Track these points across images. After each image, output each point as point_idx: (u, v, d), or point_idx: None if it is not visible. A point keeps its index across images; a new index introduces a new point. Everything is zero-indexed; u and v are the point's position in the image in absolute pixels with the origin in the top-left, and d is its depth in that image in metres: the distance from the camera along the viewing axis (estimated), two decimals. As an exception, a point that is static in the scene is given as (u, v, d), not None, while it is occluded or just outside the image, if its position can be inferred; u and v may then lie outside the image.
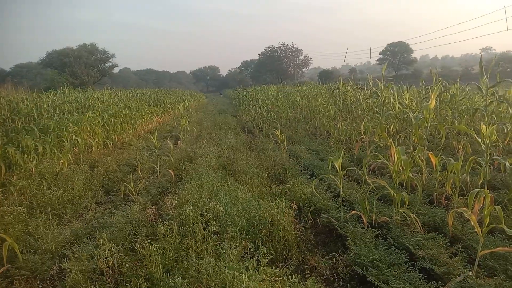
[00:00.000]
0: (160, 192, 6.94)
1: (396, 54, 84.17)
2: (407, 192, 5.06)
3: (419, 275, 3.59)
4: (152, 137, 8.70)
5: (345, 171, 5.57)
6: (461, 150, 8.29)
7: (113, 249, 3.99)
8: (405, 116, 8.99)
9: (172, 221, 4.38)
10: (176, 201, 5.40)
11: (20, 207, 5.42)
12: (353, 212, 5.10)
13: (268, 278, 3.09)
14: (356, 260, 3.97)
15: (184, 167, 8.18)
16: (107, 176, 8.16)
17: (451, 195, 5.65)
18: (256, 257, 3.20)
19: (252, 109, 17.48)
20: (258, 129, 14.41)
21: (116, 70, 69.29)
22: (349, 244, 4.33)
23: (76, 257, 4.10)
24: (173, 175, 7.68)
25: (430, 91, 9.36)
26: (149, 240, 3.96)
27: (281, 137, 9.45)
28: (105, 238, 4.08)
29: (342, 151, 5.84)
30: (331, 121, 12.21)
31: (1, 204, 5.62)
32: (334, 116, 12.50)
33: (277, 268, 3.32)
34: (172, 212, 5.04)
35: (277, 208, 4.70)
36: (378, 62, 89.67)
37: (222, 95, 57.12)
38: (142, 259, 3.84)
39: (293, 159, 8.77)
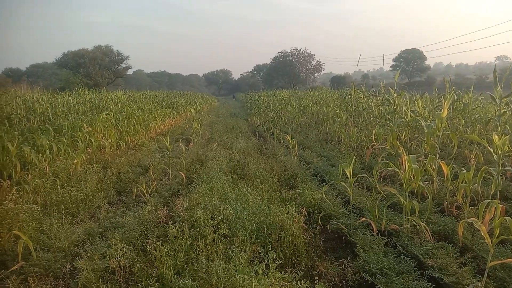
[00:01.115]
0: (172, 194, 7.02)
1: (410, 61, 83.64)
2: (417, 201, 5.06)
3: (427, 284, 3.59)
4: (164, 139, 8.81)
5: (356, 178, 5.58)
6: (473, 159, 8.23)
7: (124, 249, 4.07)
8: (417, 124, 8.97)
9: (183, 223, 4.44)
10: (187, 204, 5.46)
11: (34, 206, 5.53)
12: (363, 219, 5.11)
13: (277, 283, 3.13)
14: (365, 267, 3.98)
15: (195, 170, 8.26)
16: (120, 176, 8.28)
17: (462, 204, 5.63)
18: (266, 262, 3.24)
19: (264, 113, 17.54)
20: (269, 134, 14.46)
21: (129, 72, 69.97)
22: (358, 251, 4.34)
23: (89, 256, 4.18)
24: (184, 177, 7.76)
25: (443, 100, 9.32)
26: (160, 241, 4.03)
27: (292, 142, 9.49)
28: (117, 238, 4.16)
29: (354, 158, 5.85)
30: (343, 127, 12.20)
31: (16, 202, 5.74)
32: (346, 122, 12.49)
33: (286, 273, 3.35)
34: (183, 214, 5.11)
35: (287, 213, 4.74)
36: (391, 69, 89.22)
37: (235, 99, 57.28)
38: (153, 260, 3.90)
39: (303, 165, 8.80)
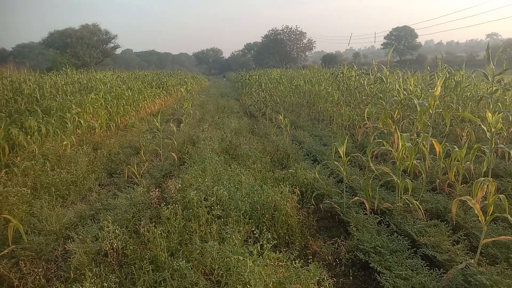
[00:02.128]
0: (163, 175, 6.96)
1: (401, 39, 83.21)
2: (410, 179, 5.06)
3: (421, 262, 3.62)
4: (155, 119, 8.68)
5: (349, 157, 5.56)
6: (465, 137, 8.26)
7: (117, 231, 4.03)
8: (409, 102, 8.94)
9: (176, 205, 4.39)
10: (179, 185, 5.41)
11: (24, 188, 5.44)
12: (356, 198, 5.12)
13: (272, 263, 3.11)
14: (359, 246, 4.00)
15: (187, 151, 8.19)
16: (110, 158, 8.18)
17: (454, 182, 5.66)
18: (260, 242, 3.22)
19: (255, 93, 17.37)
20: (261, 113, 14.36)
21: (118, 51, 68.76)
22: (352, 230, 4.36)
23: (81, 238, 4.14)
24: (176, 158, 7.69)
25: (436, 78, 9.28)
26: (153, 223, 3.99)
27: (284, 121, 9.43)
28: (109, 220, 4.11)
29: (346, 137, 5.82)
30: (335, 106, 12.13)
31: (5, 185, 5.64)
32: (338, 101, 12.42)
33: (281, 253, 3.34)
34: (176, 195, 5.06)
35: (280, 193, 4.72)
36: (382, 47, 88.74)
37: (225, 79, 56.69)
38: (146, 242, 3.87)
39: (296, 144, 8.76)
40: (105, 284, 2.90)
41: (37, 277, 3.51)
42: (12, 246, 4.12)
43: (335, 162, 5.63)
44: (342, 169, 5.22)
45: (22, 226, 4.32)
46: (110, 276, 3.21)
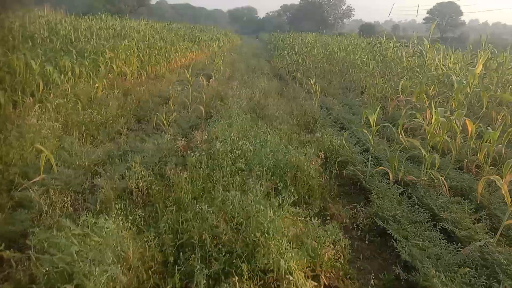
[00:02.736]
0: (190, 127, 7.06)
1: (444, 15, 79.17)
2: (438, 156, 4.97)
3: (439, 235, 3.62)
4: (186, 71, 8.70)
5: (378, 126, 5.48)
6: (500, 120, 7.97)
7: (143, 173, 4.16)
8: (446, 79, 8.64)
9: (201, 154, 4.47)
10: (206, 136, 5.49)
11: (56, 123, 5.64)
12: (380, 168, 5.08)
13: (291, 217, 3.17)
14: (378, 213, 4.01)
15: (214, 106, 8.24)
16: (139, 105, 8.32)
17: (483, 164, 5.53)
18: (282, 195, 3.28)
19: (287, 55, 17.08)
20: (291, 77, 14.17)
21: (153, 1, 68.22)
22: (373, 197, 4.36)
23: (108, 175, 4.30)
24: (203, 111, 7.74)
25: (478, 57, 8.88)
26: (179, 168, 4.09)
27: (314, 87, 9.29)
28: (137, 161, 4.24)
29: (378, 107, 5.72)
30: (368, 77, 11.84)
31: (39, 118, 5.82)
32: (372, 71, 12.11)
33: (301, 209, 3.39)
34: (202, 145, 5.14)
35: (304, 155, 4.73)
36: (424, 21, 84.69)
37: (258, 39, 55.71)
38: (171, 185, 3.98)
39: (324, 111, 8.69)
40: (130, 217, 3.02)
41: (65, 205, 3.69)
42: (43, 175, 4.31)
43: (364, 130, 5.56)
44: (370, 137, 5.16)
45: (53, 158, 4.51)
46: (135, 210, 3.35)
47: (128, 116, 7.43)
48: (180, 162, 4.86)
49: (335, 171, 5.25)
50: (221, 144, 4.62)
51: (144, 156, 4.94)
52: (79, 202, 3.98)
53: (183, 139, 5.95)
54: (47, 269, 2.49)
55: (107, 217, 2.82)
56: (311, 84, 9.44)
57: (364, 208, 4.32)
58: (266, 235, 2.79)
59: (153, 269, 2.71)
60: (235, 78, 12.87)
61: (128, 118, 7.33)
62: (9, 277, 2.75)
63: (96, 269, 2.31)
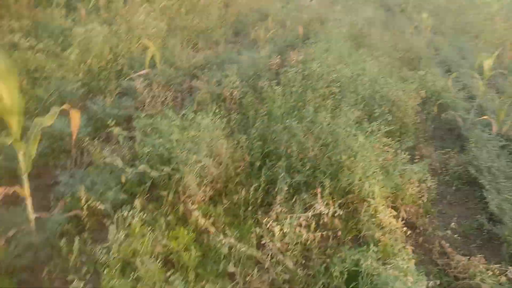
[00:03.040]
0: (286, 46, 6.94)
1: None
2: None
3: (538, 197, 3.33)
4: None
5: (492, 72, 4.94)
6: None
7: (237, 82, 4.27)
8: None
9: (296, 72, 4.42)
10: (302, 57, 5.39)
11: (161, 23, 5.87)
12: (484, 117, 4.66)
13: (381, 147, 3.09)
14: (473, 162, 3.78)
15: (313, 28, 7.94)
16: (238, 18, 8.30)
17: None
18: (376, 123, 3.19)
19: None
20: (400, 9, 13.03)
21: None
22: (469, 145, 4.08)
23: (206, 80, 4.48)
24: (301, 32, 7.52)
25: None
26: (274, 82, 4.12)
27: (426, 21, 8.47)
28: (234, 71, 4.34)
29: (496, 53, 5.11)
30: (488, 20, 10.44)
31: (147, 16, 6.06)
32: (495, 14, 10.62)
33: (393, 141, 3.28)
34: (297, 65, 5.07)
35: (403, 90, 4.48)
36: None
37: None
38: (263, 98, 4.05)
39: (431, 49, 7.97)
40: (225, 119, 3.18)
41: (166, 100, 3.96)
42: (148, 69, 4.61)
43: (476, 75, 5.04)
44: (481, 83, 4.69)
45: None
46: (230, 114, 3.51)
47: (227, 27, 7.48)
48: (274, 78, 4.88)
49: (433, 113, 4.94)
50: (317, 65, 4.51)
51: (239, 68, 5.03)
52: (178, 99, 4.24)
53: (278, 56, 5.92)
54: (149, 150, 2.76)
55: (204, 115, 2.99)
56: (423, 17, 8.61)
57: (458, 155, 4.08)
58: (353, 158, 2.78)
59: (240, 168, 2.88)
60: (338, 2, 12.14)
61: (227, 30, 7.39)
62: (115, 150, 3.07)
63: (193, 157, 2.50)
